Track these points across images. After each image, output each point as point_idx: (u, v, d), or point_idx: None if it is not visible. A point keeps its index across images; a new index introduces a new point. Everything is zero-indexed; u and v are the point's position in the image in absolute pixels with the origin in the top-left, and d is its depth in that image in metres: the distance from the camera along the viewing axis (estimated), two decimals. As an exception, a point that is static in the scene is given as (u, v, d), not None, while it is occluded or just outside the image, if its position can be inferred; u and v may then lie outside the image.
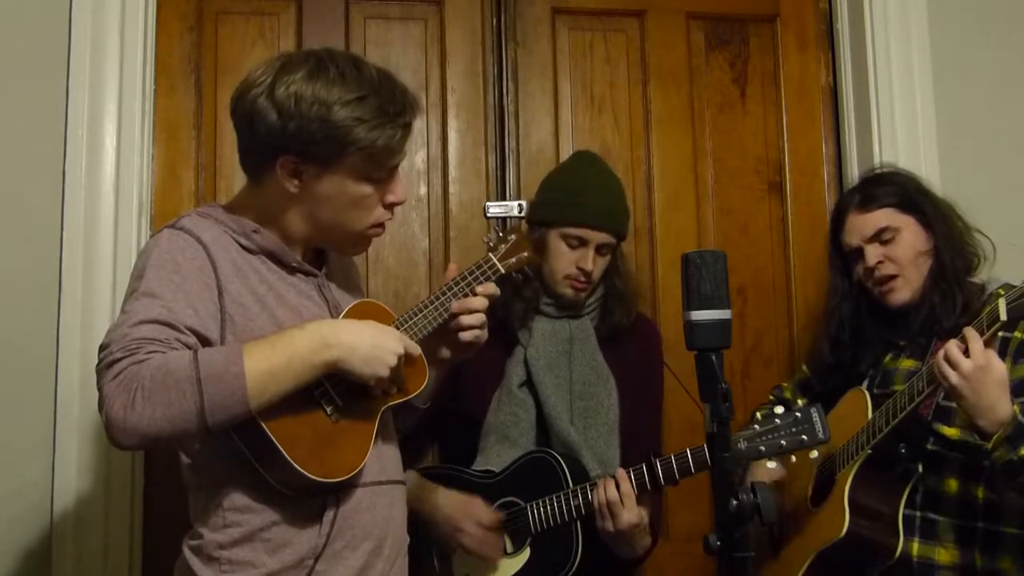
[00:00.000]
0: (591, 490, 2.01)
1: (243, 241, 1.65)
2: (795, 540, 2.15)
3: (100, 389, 1.45)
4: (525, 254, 1.86)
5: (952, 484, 2.01)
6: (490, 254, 1.83)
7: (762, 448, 1.84)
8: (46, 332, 2.31)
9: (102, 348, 1.49)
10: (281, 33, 2.62)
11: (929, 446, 2.02)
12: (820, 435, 1.82)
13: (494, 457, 2.14)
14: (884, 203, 2.17)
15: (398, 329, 1.71)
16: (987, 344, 1.84)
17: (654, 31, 2.80)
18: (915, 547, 2.01)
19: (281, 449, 1.53)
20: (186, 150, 2.56)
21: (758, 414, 1.91)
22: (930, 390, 1.91)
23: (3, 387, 2.29)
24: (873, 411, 2.03)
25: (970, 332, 1.84)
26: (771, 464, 1.91)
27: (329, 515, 1.62)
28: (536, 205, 2.29)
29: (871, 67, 2.74)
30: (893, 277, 2.14)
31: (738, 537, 1.33)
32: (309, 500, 1.62)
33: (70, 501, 2.29)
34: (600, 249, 2.18)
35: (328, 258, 1.81)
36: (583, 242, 2.17)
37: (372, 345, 1.59)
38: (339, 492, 1.63)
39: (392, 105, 1.63)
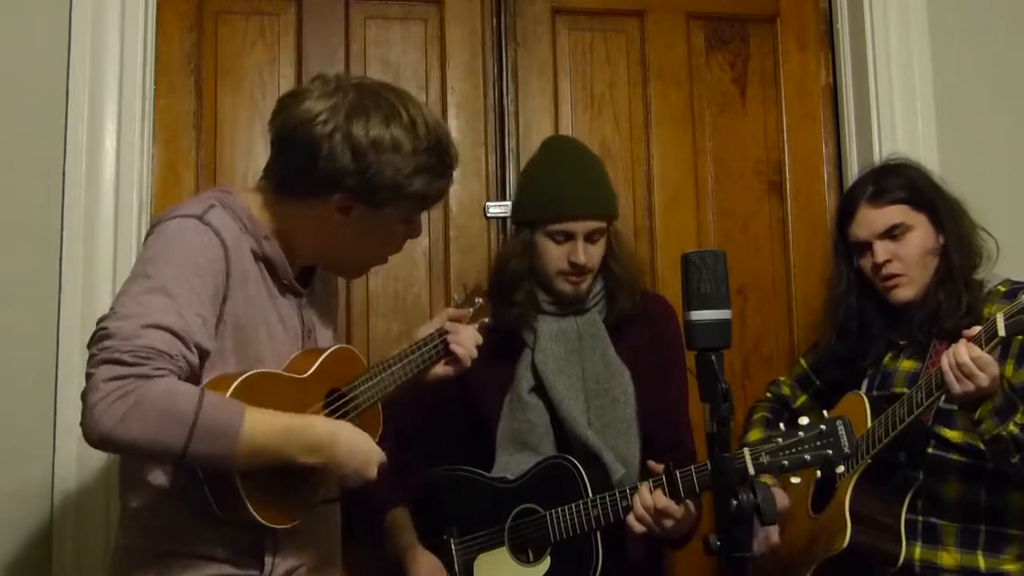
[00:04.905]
0: (610, 501, 1.99)
1: (252, 244, 1.65)
2: (796, 547, 2.14)
3: (90, 377, 1.44)
4: (487, 320, 2.03)
5: (954, 488, 2.00)
6: (463, 321, 1.98)
7: (785, 463, 1.77)
8: (46, 332, 2.31)
9: (106, 333, 1.46)
10: (281, 33, 2.62)
11: (930, 449, 2.02)
12: (845, 449, 1.75)
13: (514, 466, 2.12)
14: (897, 198, 2.13)
15: (365, 384, 1.78)
16: None
17: (654, 31, 2.80)
18: (917, 551, 2.01)
19: (243, 495, 1.53)
20: (186, 150, 2.55)
21: (781, 425, 1.87)
22: (929, 402, 1.90)
23: (3, 387, 2.29)
24: (872, 417, 2.02)
25: (971, 346, 1.82)
26: (795, 479, 1.86)
27: (269, 555, 1.64)
28: (516, 207, 2.26)
29: (871, 67, 2.74)
30: (898, 275, 2.11)
31: (738, 537, 1.33)
32: (253, 531, 1.61)
33: (70, 501, 2.29)
34: (590, 237, 2.11)
35: (315, 278, 1.81)
36: (569, 236, 2.10)
37: (362, 463, 1.63)
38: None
39: (448, 156, 1.70)
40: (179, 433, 1.43)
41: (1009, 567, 1.98)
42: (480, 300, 2.03)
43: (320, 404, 1.69)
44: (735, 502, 1.33)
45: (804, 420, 1.83)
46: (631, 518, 1.94)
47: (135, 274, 1.55)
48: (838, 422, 1.77)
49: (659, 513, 1.92)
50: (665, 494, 1.92)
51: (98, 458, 2.29)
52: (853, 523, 1.97)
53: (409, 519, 2.17)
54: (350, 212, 1.65)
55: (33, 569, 2.27)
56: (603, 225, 2.14)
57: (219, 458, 1.48)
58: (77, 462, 2.29)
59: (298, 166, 1.64)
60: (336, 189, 1.63)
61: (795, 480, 1.82)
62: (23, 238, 2.33)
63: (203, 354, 1.53)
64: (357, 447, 1.63)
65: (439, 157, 1.67)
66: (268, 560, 1.64)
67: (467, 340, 1.93)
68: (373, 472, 1.65)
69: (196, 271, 1.54)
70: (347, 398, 1.74)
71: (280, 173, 1.69)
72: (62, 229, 2.34)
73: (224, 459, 1.48)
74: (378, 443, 1.73)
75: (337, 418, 1.69)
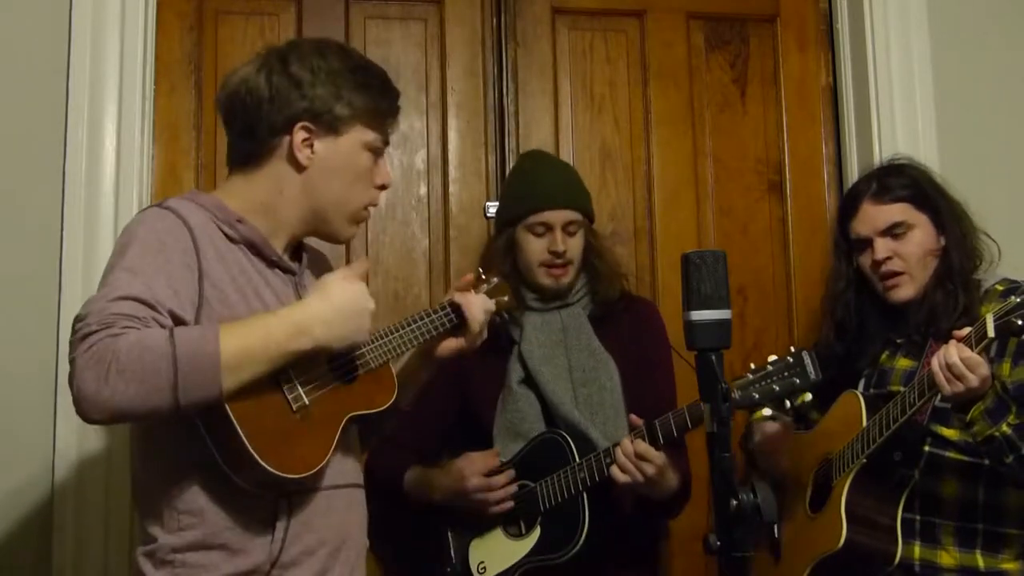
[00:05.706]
0: (595, 461, 2.05)
1: (226, 229, 1.66)
2: (794, 547, 2.14)
3: (72, 361, 1.45)
4: (505, 298, 1.99)
5: (951, 487, 2.00)
6: (473, 292, 1.93)
7: (755, 395, 1.83)
8: (46, 332, 2.31)
9: (78, 320, 1.48)
10: (281, 33, 2.62)
11: (927, 448, 2.02)
12: (812, 376, 1.80)
13: (509, 454, 2.18)
14: (900, 196, 2.14)
15: (372, 343, 1.74)
16: None
17: (654, 31, 2.81)
18: (916, 551, 2.01)
19: (242, 435, 1.51)
20: (186, 150, 2.56)
21: (752, 366, 1.93)
22: (922, 403, 1.90)
23: (3, 387, 2.29)
24: (868, 416, 2.02)
25: (961, 347, 1.82)
26: (766, 411, 1.89)
27: (281, 524, 1.61)
28: (497, 214, 2.38)
29: (871, 67, 2.74)
30: (898, 274, 2.11)
31: (738, 537, 1.33)
32: (263, 504, 1.60)
33: (70, 499, 2.29)
34: (567, 228, 2.22)
35: (304, 257, 1.82)
36: (548, 227, 2.21)
37: (346, 316, 1.61)
38: (292, 497, 1.62)
39: (387, 80, 1.79)
40: (164, 367, 1.42)
41: (1008, 566, 1.98)
42: (497, 280, 1.99)
43: (324, 358, 1.67)
44: (735, 502, 1.33)
45: (772, 357, 1.88)
46: (614, 469, 2.02)
47: (106, 269, 1.59)
48: (804, 352, 1.83)
49: (639, 458, 2.00)
50: (644, 441, 2.01)
51: (98, 457, 2.29)
52: (848, 522, 1.97)
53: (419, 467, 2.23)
54: (313, 147, 1.69)
55: (33, 568, 2.27)
56: (579, 217, 2.24)
57: (209, 381, 1.45)
58: (77, 461, 2.29)
59: (250, 119, 1.70)
60: (292, 122, 1.68)
61: (767, 412, 1.86)
62: (23, 238, 2.34)
63: (177, 320, 1.53)
64: (328, 305, 1.61)
65: (377, 76, 1.76)
66: (280, 526, 1.61)
67: (475, 306, 1.89)
68: (366, 320, 1.63)
69: (161, 249, 1.56)
70: (353, 354, 1.72)
71: (237, 139, 1.73)
72: (62, 229, 2.35)
73: (214, 381, 1.45)
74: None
75: (343, 375, 1.69)
